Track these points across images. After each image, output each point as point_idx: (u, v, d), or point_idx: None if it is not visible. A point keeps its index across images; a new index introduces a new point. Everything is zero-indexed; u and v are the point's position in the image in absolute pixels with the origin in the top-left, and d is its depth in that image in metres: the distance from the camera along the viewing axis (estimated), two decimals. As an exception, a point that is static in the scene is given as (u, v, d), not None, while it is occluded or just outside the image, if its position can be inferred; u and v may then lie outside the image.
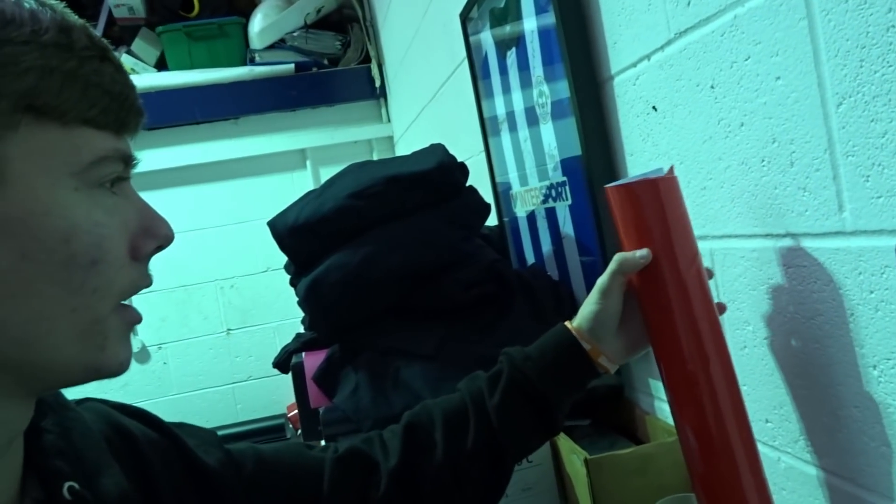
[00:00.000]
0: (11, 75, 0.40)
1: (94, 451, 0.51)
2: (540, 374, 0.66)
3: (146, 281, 0.48)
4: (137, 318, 0.48)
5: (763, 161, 0.61)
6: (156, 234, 0.48)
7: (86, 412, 0.54)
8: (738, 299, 0.69)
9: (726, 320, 0.71)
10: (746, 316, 0.68)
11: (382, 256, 0.96)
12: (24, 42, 0.40)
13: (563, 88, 0.90)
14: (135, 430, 0.55)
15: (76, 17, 0.45)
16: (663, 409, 0.88)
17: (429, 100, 1.87)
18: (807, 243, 0.58)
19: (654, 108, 0.76)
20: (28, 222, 0.40)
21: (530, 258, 1.20)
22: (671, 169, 0.60)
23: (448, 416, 0.67)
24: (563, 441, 0.87)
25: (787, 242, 0.60)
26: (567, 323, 0.68)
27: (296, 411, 2.48)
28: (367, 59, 2.62)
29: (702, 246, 0.72)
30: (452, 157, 1.03)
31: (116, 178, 0.46)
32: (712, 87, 0.66)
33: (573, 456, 0.84)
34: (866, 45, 0.48)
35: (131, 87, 0.47)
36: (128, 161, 0.46)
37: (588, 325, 0.65)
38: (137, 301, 2.34)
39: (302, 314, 1.14)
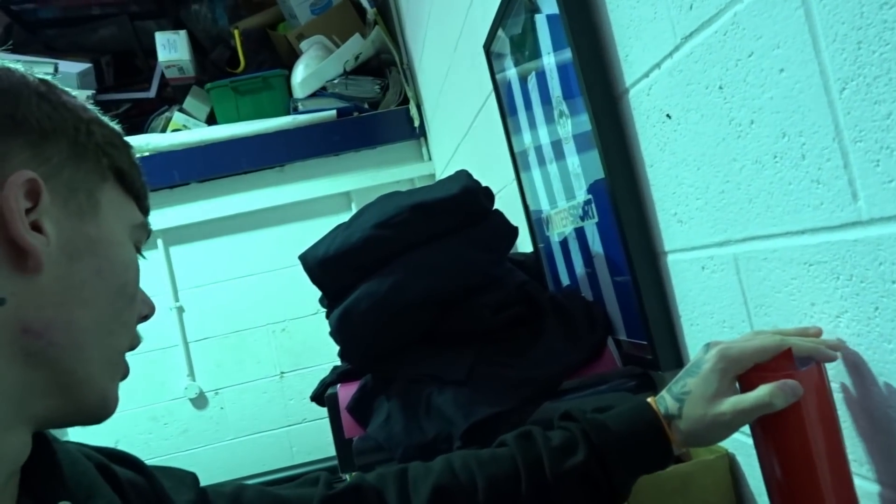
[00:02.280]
0: (109, 145, 0.53)
1: (87, 475, 0.53)
2: (617, 459, 0.60)
3: (139, 340, 0.55)
4: (128, 372, 0.54)
5: (775, 157, 0.59)
6: (148, 303, 0.57)
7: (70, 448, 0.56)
8: (764, 304, 0.66)
9: (756, 324, 0.68)
10: (775, 320, 0.65)
11: (411, 283, 0.96)
12: (108, 127, 0.54)
13: (582, 107, 0.90)
14: (116, 469, 0.57)
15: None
16: (704, 427, 0.85)
17: (463, 135, 1.89)
18: (825, 237, 0.55)
19: (668, 115, 0.76)
20: (108, 247, 0.50)
21: (566, 281, 1.19)
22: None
23: (494, 483, 0.62)
24: (600, 463, 0.85)
25: (806, 239, 0.58)
26: (655, 407, 0.61)
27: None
28: (406, 101, 2.67)
29: (725, 251, 0.70)
30: (477, 182, 1.03)
31: (139, 247, 0.56)
32: (720, 87, 0.65)
33: (610, 478, 0.82)
34: (862, 25, 0.47)
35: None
36: (147, 237, 0.58)
37: (687, 427, 0.59)
38: (197, 346, 2.40)
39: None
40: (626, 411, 0.63)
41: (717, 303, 0.75)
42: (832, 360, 0.56)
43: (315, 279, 1.03)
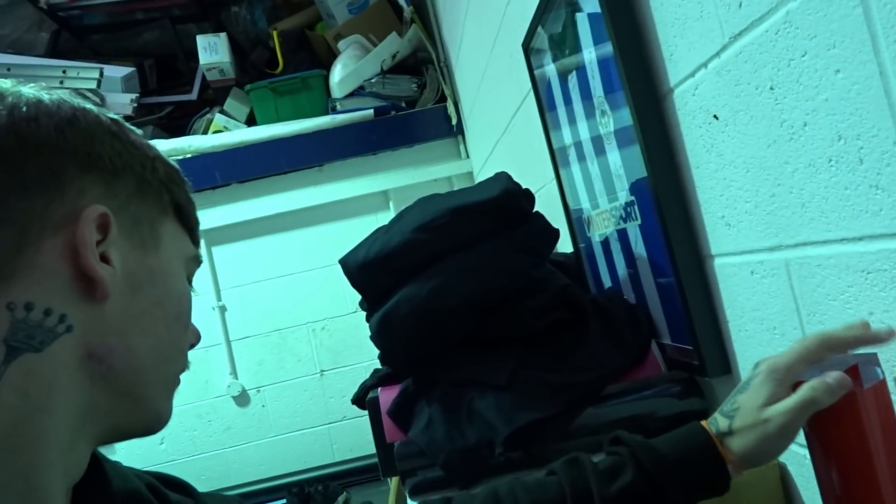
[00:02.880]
0: (169, 181, 0.56)
1: (137, 493, 0.56)
2: (668, 479, 0.59)
3: (188, 365, 0.58)
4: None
5: (830, 161, 0.57)
6: (196, 332, 0.59)
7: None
8: (818, 311, 0.64)
9: (809, 331, 0.66)
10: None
11: (451, 287, 0.96)
12: (167, 165, 0.57)
13: (624, 107, 0.88)
14: (167, 491, 0.60)
15: None
16: (753, 435, 0.82)
17: (501, 133, 1.87)
18: (884, 244, 0.53)
19: (715, 116, 0.73)
20: (166, 278, 0.54)
21: (607, 283, 1.17)
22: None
23: None
24: (645, 471, 0.83)
25: (864, 246, 0.56)
26: (707, 428, 0.60)
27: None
28: (443, 99, 2.67)
29: (776, 256, 0.68)
30: (517, 185, 1.02)
31: (190, 279, 0.59)
32: (772, 88, 0.62)
33: (656, 486, 0.80)
34: (926, 24, 0.45)
35: None
36: (197, 268, 0.61)
37: (741, 443, 0.58)
38: (239, 344, 2.43)
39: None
40: (677, 433, 0.62)
41: (768, 309, 0.73)
42: (881, 341, 0.54)
43: (355, 283, 1.03)
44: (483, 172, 2.37)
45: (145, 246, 0.52)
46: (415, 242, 0.99)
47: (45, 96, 0.50)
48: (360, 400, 1.09)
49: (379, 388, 1.03)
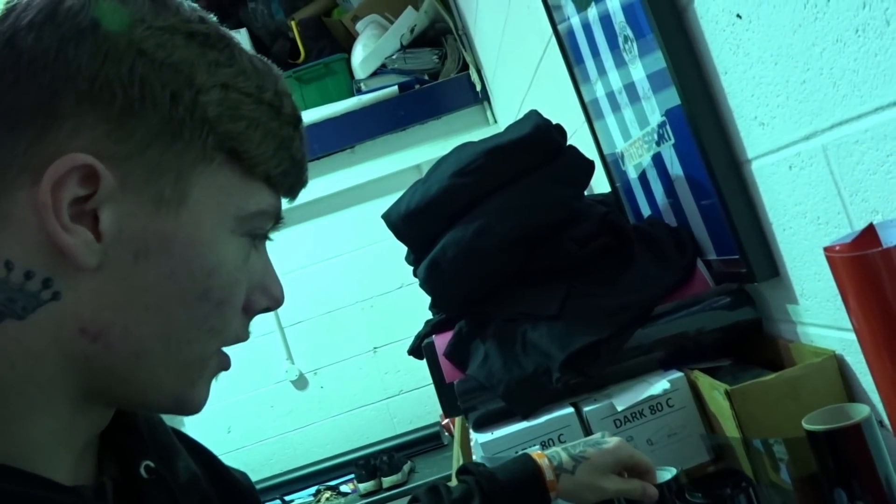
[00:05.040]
0: (228, 118, 0.45)
1: (164, 435, 0.53)
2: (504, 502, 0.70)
3: (246, 335, 0.49)
4: (228, 366, 0.50)
5: (857, 31, 0.57)
6: (270, 295, 0.50)
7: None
8: (860, 189, 0.64)
9: (854, 216, 0.66)
10: (873, 205, 0.63)
11: (495, 226, 0.98)
12: (247, 94, 0.46)
13: (646, 26, 0.89)
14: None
15: (286, 84, 0.51)
16: (807, 334, 0.83)
17: (527, 89, 1.88)
18: (919, 102, 0.53)
19: (738, 16, 0.74)
20: (187, 248, 0.43)
21: (647, 213, 1.18)
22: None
23: None
24: (702, 379, 0.85)
25: (900, 109, 0.56)
26: (538, 457, 0.73)
27: (449, 419, 2.53)
28: (466, 67, 2.67)
29: (812, 144, 0.69)
30: (547, 120, 1.03)
31: (261, 234, 0.50)
32: (791, -28, 0.63)
33: (714, 392, 0.81)
34: None
35: (306, 159, 0.53)
36: (278, 221, 0.51)
37: (572, 484, 0.72)
38: (292, 330, 2.48)
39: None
40: (512, 464, 0.74)
41: (809, 201, 0.73)
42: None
43: (400, 235, 1.06)
44: (513, 134, 2.38)
45: (161, 203, 0.42)
46: (454, 187, 1.01)
47: None
48: (417, 349, 1.11)
49: (433, 335, 1.05)
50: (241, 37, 2.81)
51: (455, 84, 2.69)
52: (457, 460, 1.81)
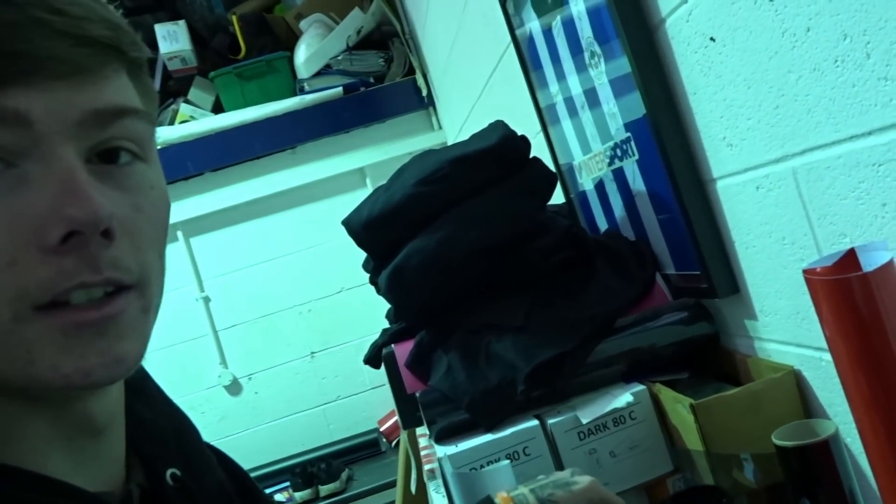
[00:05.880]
0: None
1: (194, 444, 0.53)
2: None
3: (71, 277, 0.38)
4: (82, 320, 0.39)
5: (836, 61, 0.59)
6: (61, 217, 0.38)
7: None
8: (829, 213, 0.67)
9: (822, 238, 0.69)
10: (841, 228, 0.66)
11: (459, 236, 0.97)
12: None
13: (615, 43, 0.90)
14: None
15: None
16: (764, 349, 0.86)
17: (477, 97, 1.88)
18: (895, 134, 0.56)
19: (711, 39, 0.76)
20: None
21: (603, 225, 1.19)
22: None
23: None
24: (665, 392, 0.86)
25: (874, 140, 0.58)
26: (505, 499, 0.65)
27: (388, 423, 2.52)
28: (412, 71, 2.66)
29: (783, 167, 0.71)
30: (513, 131, 1.04)
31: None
32: (771, 0, 0.64)
33: (678, 406, 0.83)
34: None
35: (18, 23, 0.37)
36: (17, 121, 0.37)
37: None
38: (227, 333, 2.38)
39: (382, 317, 1.16)
40: None
41: (776, 221, 0.75)
42: None
43: (360, 242, 1.04)
44: (459, 139, 2.38)
45: None
46: (418, 196, 1.00)
47: None
48: (374, 359, 1.10)
49: (392, 345, 1.04)
50: (180, 29, 2.72)
51: (400, 88, 2.67)
52: (402, 469, 1.80)
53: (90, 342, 0.39)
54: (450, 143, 2.62)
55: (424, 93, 2.62)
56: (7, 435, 0.40)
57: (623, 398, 0.87)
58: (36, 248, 0.38)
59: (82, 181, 0.38)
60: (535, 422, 0.88)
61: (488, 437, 0.88)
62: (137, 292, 0.42)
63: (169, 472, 0.48)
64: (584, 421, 0.86)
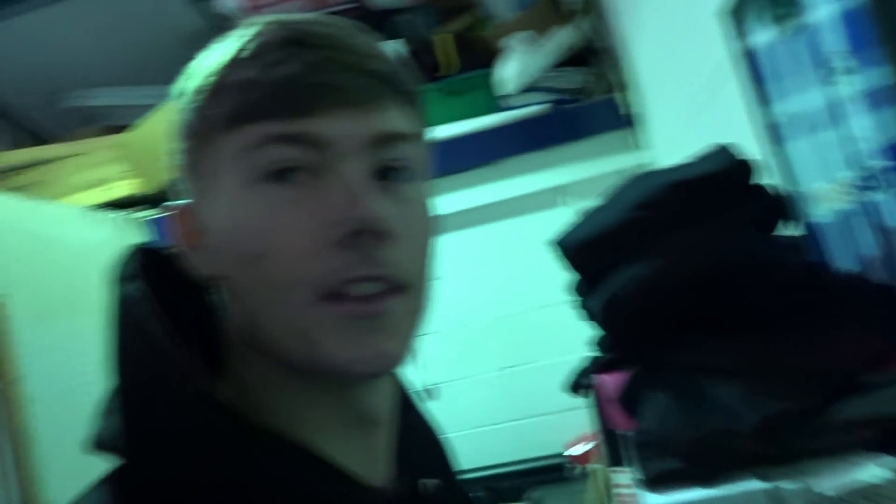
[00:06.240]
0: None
1: (449, 458, 0.57)
2: None
3: (353, 269, 0.44)
4: (358, 311, 0.44)
5: None
6: (348, 217, 0.44)
7: None
8: None
9: None
10: None
11: (678, 265, 0.91)
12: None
13: (871, 49, 0.79)
14: None
15: None
16: None
17: (692, 115, 1.78)
18: None
19: None
20: (222, 221, 0.46)
21: (843, 265, 1.06)
22: None
23: None
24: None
25: None
26: None
27: (575, 449, 2.45)
28: (616, 89, 2.58)
29: None
30: (740, 157, 0.95)
31: (289, 168, 0.45)
32: None
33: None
34: None
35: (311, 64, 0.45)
36: (306, 141, 0.45)
37: None
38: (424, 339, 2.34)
39: (581, 343, 1.12)
40: None
41: None
42: None
43: (575, 263, 1.01)
44: (668, 160, 2.27)
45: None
46: (635, 220, 0.95)
47: None
48: (577, 385, 1.06)
49: (600, 374, 0.99)
50: (400, 47, 2.85)
51: (600, 106, 2.60)
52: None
53: (362, 334, 0.44)
54: (656, 165, 2.51)
55: (628, 111, 2.53)
56: (299, 417, 0.45)
57: (877, 471, 0.75)
58: (328, 243, 0.44)
59: (365, 191, 0.45)
60: (762, 484, 0.79)
61: (705, 492, 0.80)
62: (407, 295, 0.46)
63: (428, 482, 0.50)
64: (832, 493, 0.75)
